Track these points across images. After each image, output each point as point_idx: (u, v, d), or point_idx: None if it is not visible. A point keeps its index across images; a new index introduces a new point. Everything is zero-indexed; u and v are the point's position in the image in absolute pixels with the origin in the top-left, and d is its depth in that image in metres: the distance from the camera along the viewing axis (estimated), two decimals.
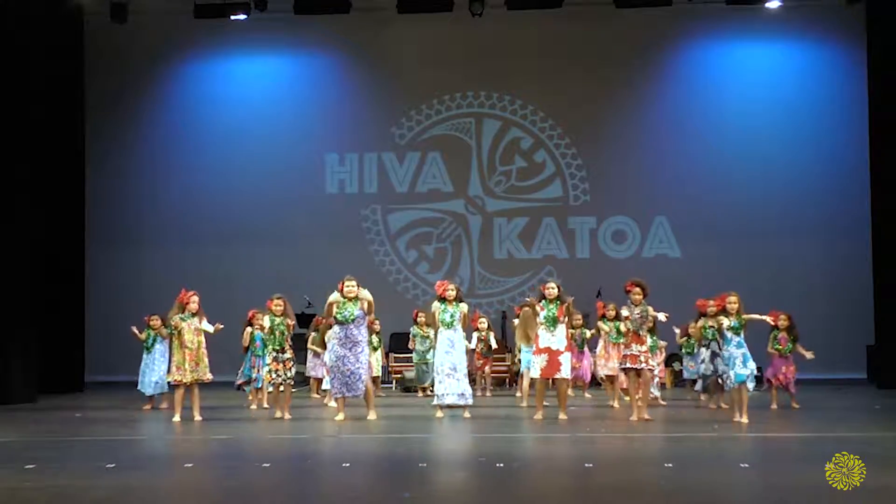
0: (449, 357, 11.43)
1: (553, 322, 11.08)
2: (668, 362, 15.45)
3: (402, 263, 19.52)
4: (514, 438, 9.74)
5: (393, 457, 8.52)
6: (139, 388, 13.41)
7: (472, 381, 14.74)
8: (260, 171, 19.42)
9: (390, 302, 17.44)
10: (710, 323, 12.22)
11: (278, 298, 11.66)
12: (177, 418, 11.27)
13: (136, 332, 13.48)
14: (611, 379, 13.33)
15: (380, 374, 15.49)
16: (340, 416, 11.14)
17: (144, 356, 13.42)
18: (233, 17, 18.18)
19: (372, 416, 11.23)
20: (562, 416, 11.12)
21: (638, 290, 11.06)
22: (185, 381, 11.36)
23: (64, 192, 17.01)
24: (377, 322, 14.88)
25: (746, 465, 7.59)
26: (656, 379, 12.99)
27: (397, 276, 19.46)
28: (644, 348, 11.02)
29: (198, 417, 11.35)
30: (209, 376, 11.58)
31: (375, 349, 15.09)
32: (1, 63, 15.01)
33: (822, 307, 18.30)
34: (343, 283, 11.25)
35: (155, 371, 13.30)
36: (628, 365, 11.08)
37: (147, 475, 7.52)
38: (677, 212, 19.20)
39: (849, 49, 18.55)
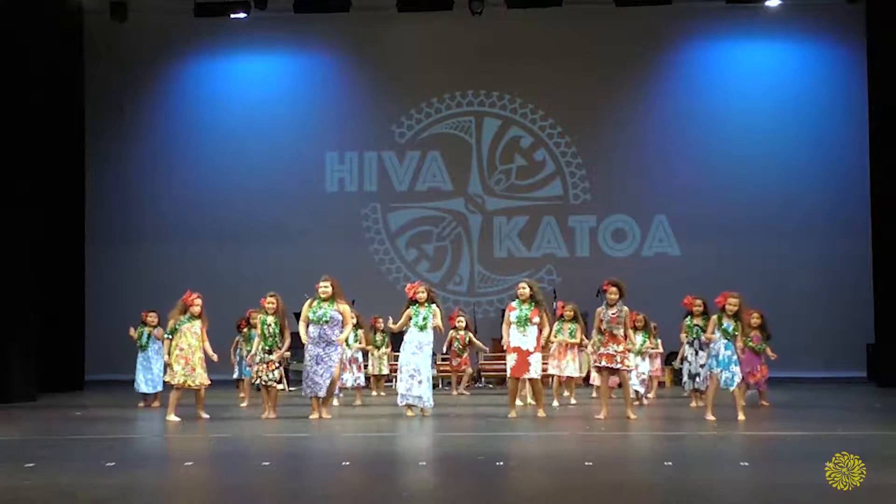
0: (415, 358, 11.36)
1: (525, 322, 11.07)
2: (667, 361, 15.45)
3: (402, 262, 19.52)
4: (513, 437, 9.74)
5: (392, 455, 8.52)
6: (135, 386, 13.39)
7: (448, 382, 14.91)
8: (259, 169, 19.43)
9: (390, 301, 17.40)
10: (696, 321, 12.27)
11: (271, 296, 11.39)
12: (172, 417, 11.12)
13: (132, 333, 13.43)
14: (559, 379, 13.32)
15: (385, 373, 15.46)
16: (314, 415, 11.10)
17: (140, 354, 13.41)
18: (233, 16, 18.21)
19: (325, 415, 11.15)
20: (540, 413, 11.14)
21: (614, 289, 11.01)
22: (173, 382, 11.22)
23: (64, 192, 17.00)
24: (381, 320, 14.87)
25: (746, 464, 7.59)
26: (643, 377, 13.01)
27: (397, 275, 19.45)
28: (620, 348, 10.98)
29: (204, 415, 11.27)
30: (207, 382, 11.42)
31: (378, 347, 15.08)
32: (1, 63, 14.99)
33: (822, 306, 18.31)
34: (318, 284, 11.22)
35: (150, 369, 13.29)
36: (604, 364, 11.06)
37: (147, 474, 7.52)
38: (677, 210, 19.20)
39: (849, 48, 18.55)
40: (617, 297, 10.98)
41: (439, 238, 19.59)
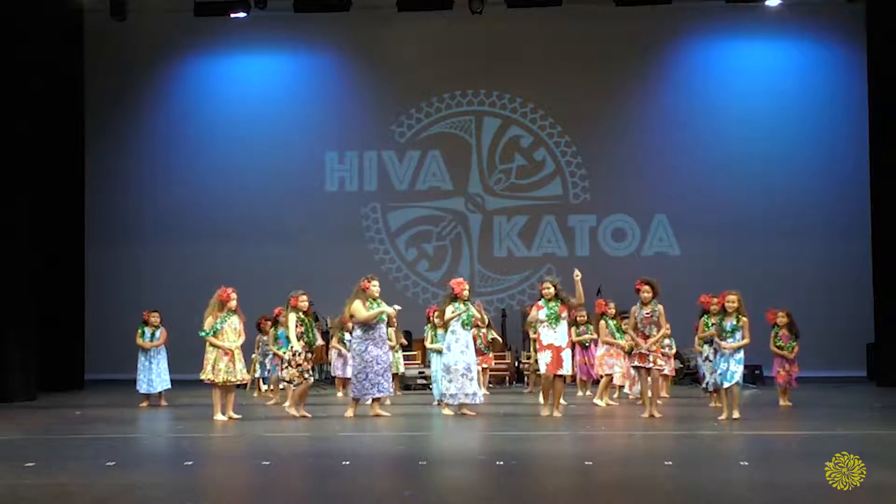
0: (464, 357, 11.45)
1: (556, 319, 11.13)
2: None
3: (402, 261, 19.52)
4: (513, 436, 9.74)
5: (393, 454, 8.53)
6: (138, 386, 13.35)
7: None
8: (260, 169, 19.42)
9: (390, 300, 17.40)
10: (714, 320, 12.20)
11: (303, 294, 11.40)
12: (220, 417, 11.10)
13: (140, 341, 13.36)
14: (609, 378, 13.29)
15: (402, 371, 15.43)
16: (374, 412, 11.26)
17: (142, 354, 13.36)
18: (233, 15, 18.18)
19: (383, 413, 11.32)
20: (556, 413, 11.16)
21: (647, 288, 11.04)
22: (217, 381, 11.17)
23: (64, 192, 16.99)
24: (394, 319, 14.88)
25: (746, 463, 7.59)
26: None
27: (397, 275, 19.45)
28: (654, 347, 11.02)
29: (235, 416, 11.25)
30: (247, 377, 11.54)
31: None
32: (1, 62, 14.99)
33: (822, 306, 18.29)
34: (369, 282, 11.28)
35: (153, 369, 13.27)
36: (637, 363, 11.09)
37: (147, 473, 7.53)
38: (677, 210, 19.20)
39: (849, 47, 18.54)
40: (651, 295, 11.02)
41: (439, 237, 19.59)
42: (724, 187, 19.03)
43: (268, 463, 7.76)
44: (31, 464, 7.75)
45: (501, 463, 7.65)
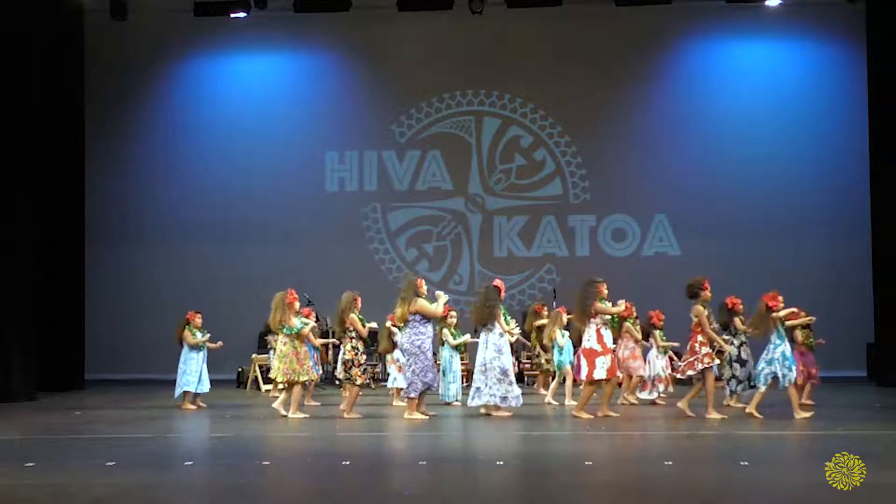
0: (509, 360, 11.49)
1: (614, 322, 11.35)
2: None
3: (402, 261, 19.52)
4: (513, 436, 9.74)
5: (393, 454, 8.53)
6: (196, 388, 13.06)
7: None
8: (260, 169, 19.42)
9: (390, 300, 17.43)
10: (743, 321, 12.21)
11: (358, 294, 11.62)
12: (299, 415, 11.40)
13: (211, 343, 13.34)
14: (629, 377, 13.31)
15: None
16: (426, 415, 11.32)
17: (195, 354, 13.15)
18: (233, 15, 18.19)
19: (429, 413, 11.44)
20: (611, 413, 11.24)
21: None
22: (300, 380, 11.46)
23: (64, 192, 16.98)
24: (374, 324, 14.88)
25: (746, 463, 7.59)
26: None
27: (397, 275, 19.43)
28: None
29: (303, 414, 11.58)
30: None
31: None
32: (1, 62, 14.99)
33: (822, 305, 18.20)
34: (422, 282, 11.32)
35: (204, 370, 13.21)
36: (708, 363, 11.17)
37: (147, 473, 7.52)
38: (677, 210, 19.19)
39: (849, 47, 18.54)
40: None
41: (439, 237, 19.59)
42: (724, 187, 19.03)
43: (268, 463, 7.77)
44: (31, 464, 7.75)
45: (501, 463, 7.65)
